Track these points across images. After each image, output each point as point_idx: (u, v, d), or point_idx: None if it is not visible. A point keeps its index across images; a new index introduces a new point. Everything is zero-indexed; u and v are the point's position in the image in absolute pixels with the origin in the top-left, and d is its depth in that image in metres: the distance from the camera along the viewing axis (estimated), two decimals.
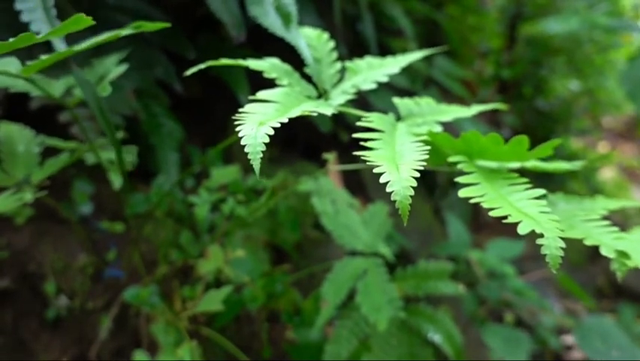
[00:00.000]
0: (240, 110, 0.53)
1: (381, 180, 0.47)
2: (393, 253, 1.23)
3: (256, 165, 0.48)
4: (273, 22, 0.84)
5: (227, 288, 0.93)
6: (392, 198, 0.46)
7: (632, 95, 1.97)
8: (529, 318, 1.80)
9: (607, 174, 3.69)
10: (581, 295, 0.96)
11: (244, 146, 0.49)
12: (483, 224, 2.30)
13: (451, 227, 1.66)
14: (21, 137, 0.84)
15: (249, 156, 0.48)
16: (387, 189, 0.47)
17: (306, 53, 0.77)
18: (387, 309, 0.90)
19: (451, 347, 0.98)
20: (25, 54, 0.75)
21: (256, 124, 0.50)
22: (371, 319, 0.89)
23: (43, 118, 0.96)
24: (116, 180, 0.89)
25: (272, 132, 0.49)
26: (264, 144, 0.49)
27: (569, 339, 1.83)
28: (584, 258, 2.38)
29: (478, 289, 1.54)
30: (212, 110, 1.40)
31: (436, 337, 0.98)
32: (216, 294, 0.92)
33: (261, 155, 0.48)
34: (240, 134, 0.49)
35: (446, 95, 2.06)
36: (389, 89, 1.58)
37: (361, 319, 0.97)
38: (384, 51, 1.58)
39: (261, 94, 0.59)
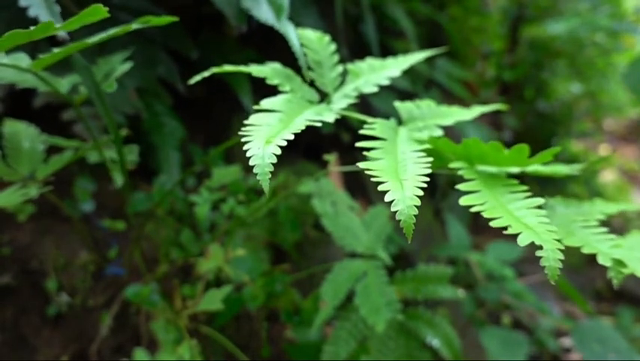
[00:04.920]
0: (245, 122, 0.54)
1: (386, 198, 0.48)
2: (392, 254, 1.23)
3: (265, 184, 0.48)
4: (264, 13, 0.85)
5: (228, 287, 0.93)
6: (397, 218, 0.47)
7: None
8: (528, 320, 1.81)
9: (608, 176, 3.69)
10: (579, 300, 0.96)
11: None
12: (483, 226, 2.30)
13: (451, 229, 1.66)
14: (26, 134, 0.85)
15: (258, 177, 0.48)
16: (392, 208, 0.47)
17: (297, 45, 0.77)
18: (386, 311, 0.90)
19: (449, 351, 0.98)
20: (29, 52, 0.76)
21: (262, 142, 0.50)
22: (369, 321, 0.89)
23: (45, 117, 0.96)
24: (118, 179, 0.89)
25: (279, 152, 0.50)
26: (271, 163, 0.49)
27: (567, 342, 1.84)
28: (583, 261, 2.39)
29: (477, 291, 1.54)
30: (213, 109, 1.40)
31: (435, 341, 0.98)
32: (216, 293, 0.92)
33: (270, 175, 0.48)
34: (247, 154, 0.50)
35: (447, 97, 2.06)
36: (390, 90, 1.58)
37: (360, 320, 0.97)
38: (386, 52, 1.58)
39: (264, 103, 0.60)
